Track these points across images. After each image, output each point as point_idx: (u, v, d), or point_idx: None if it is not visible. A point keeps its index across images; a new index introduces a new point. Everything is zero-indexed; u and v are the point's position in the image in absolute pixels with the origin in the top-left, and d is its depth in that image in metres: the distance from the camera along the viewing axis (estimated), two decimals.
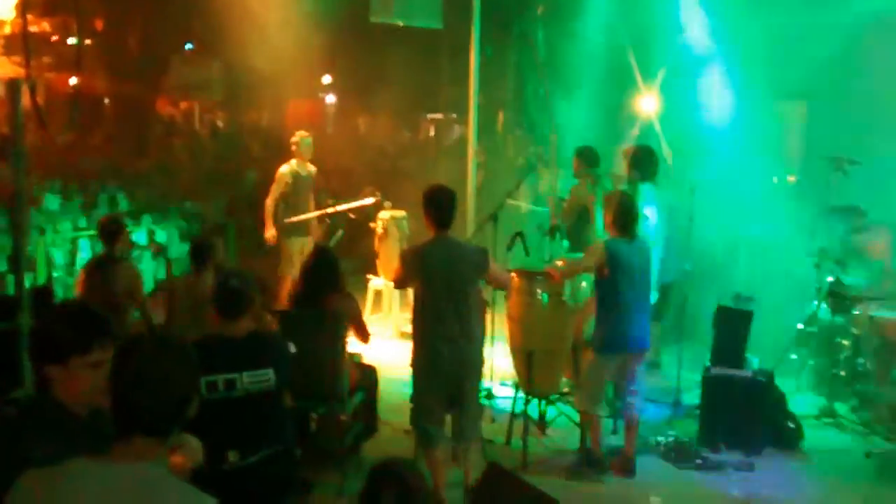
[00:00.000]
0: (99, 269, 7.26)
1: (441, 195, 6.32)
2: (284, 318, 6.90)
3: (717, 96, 12.15)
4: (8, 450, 3.08)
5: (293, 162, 10.86)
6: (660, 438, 7.76)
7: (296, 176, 10.80)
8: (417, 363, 6.35)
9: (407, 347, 9.16)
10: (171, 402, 2.70)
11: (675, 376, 8.45)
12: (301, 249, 10.72)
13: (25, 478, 2.69)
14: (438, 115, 19.76)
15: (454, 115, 16.88)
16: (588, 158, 9.50)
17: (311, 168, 11.01)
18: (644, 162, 8.35)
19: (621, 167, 8.83)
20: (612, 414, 7.65)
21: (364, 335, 7.05)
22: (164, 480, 2.67)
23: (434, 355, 6.20)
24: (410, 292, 10.79)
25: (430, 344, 6.21)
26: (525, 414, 7.49)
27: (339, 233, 10.73)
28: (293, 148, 10.92)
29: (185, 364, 2.75)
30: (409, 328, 10.55)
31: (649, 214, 7.99)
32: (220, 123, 23.58)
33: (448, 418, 6.46)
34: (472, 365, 6.38)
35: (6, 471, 2.84)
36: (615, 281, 6.84)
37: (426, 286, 6.21)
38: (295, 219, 10.77)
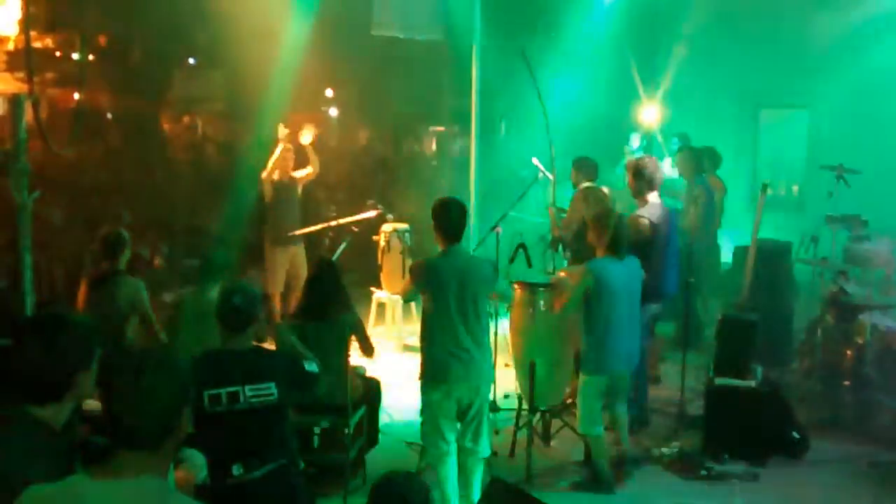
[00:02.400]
0: (102, 282, 7.26)
1: (451, 208, 6.31)
2: (289, 332, 6.91)
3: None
4: None
5: (276, 171, 10.80)
6: (664, 450, 7.76)
7: (279, 185, 10.75)
8: (427, 377, 6.31)
9: (410, 360, 9.19)
10: (157, 417, 2.69)
11: (679, 387, 8.45)
12: (288, 261, 10.71)
13: (25, 500, 2.69)
14: (440, 128, 19.77)
15: (456, 128, 16.91)
16: (586, 169, 9.51)
17: (295, 174, 10.96)
18: (650, 174, 8.35)
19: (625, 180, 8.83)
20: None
21: (369, 350, 7.06)
22: (164, 494, 2.67)
23: (444, 369, 6.17)
24: (413, 306, 10.94)
25: (441, 358, 6.17)
26: (529, 426, 7.49)
27: (343, 245, 10.74)
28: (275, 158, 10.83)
29: (172, 378, 2.74)
30: (412, 340, 10.65)
31: None
32: (222, 137, 23.57)
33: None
34: (483, 379, 6.37)
35: None
36: (600, 302, 6.83)
37: (437, 299, 6.17)
38: (299, 232, 10.78)
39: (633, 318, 7.04)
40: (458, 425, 6.36)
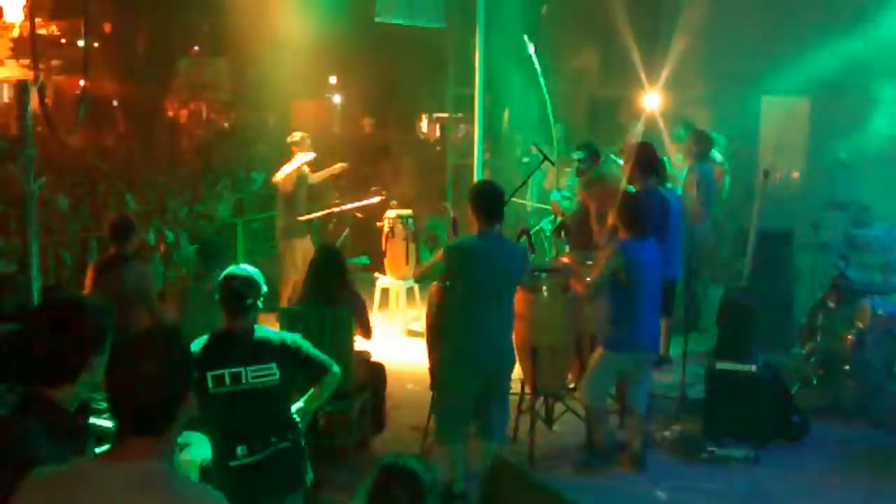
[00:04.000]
0: (109, 268, 7.31)
1: (489, 190, 6.39)
2: (292, 316, 6.97)
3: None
4: (5, 451, 3.09)
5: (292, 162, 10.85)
6: (666, 432, 7.82)
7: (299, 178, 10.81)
8: (453, 358, 6.35)
9: (415, 345, 9.22)
10: (161, 403, 2.69)
11: (680, 370, 8.49)
12: (304, 250, 10.78)
13: (30, 481, 2.71)
14: (444, 115, 19.80)
15: (460, 115, 16.94)
16: (591, 155, 9.54)
17: (305, 168, 11.04)
18: (645, 158, 8.39)
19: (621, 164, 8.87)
20: (619, 409, 7.71)
21: (367, 331, 7.11)
22: (170, 476, 2.69)
23: (474, 351, 6.21)
24: (417, 291, 10.99)
25: (470, 340, 6.21)
26: (531, 410, 7.54)
27: (346, 231, 10.79)
28: (293, 148, 10.92)
29: (175, 364, 2.74)
30: (416, 326, 10.70)
31: None
32: (226, 124, 23.65)
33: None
34: (508, 361, 6.44)
35: (3, 472, 2.90)
36: (630, 282, 6.87)
37: (472, 281, 6.19)
38: (305, 217, 10.84)
39: (656, 299, 7.10)
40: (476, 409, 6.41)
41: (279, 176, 10.74)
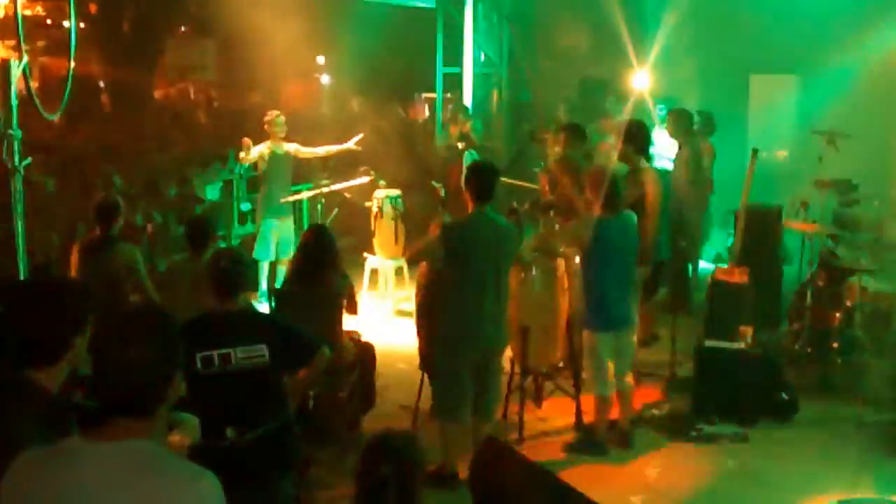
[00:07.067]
0: (96, 249, 7.27)
1: (484, 169, 6.45)
2: (281, 297, 6.95)
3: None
4: None
5: (267, 142, 10.83)
6: (655, 411, 7.84)
7: (271, 155, 10.80)
8: (449, 337, 6.39)
9: (404, 325, 9.22)
10: (148, 385, 2.67)
11: (669, 349, 8.50)
12: (279, 230, 10.74)
13: (18, 462, 2.70)
14: (433, 95, 19.73)
15: (449, 94, 16.89)
16: (576, 135, 9.52)
17: (288, 147, 10.99)
18: (638, 136, 8.37)
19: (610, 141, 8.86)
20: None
21: (353, 308, 7.12)
22: (160, 455, 2.67)
23: (473, 331, 6.26)
24: (406, 270, 10.97)
25: (468, 318, 6.25)
26: (520, 389, 7.54)
27: (334, 211, 10.75)
28: (265, 128, 10.88)
29: (161, 345, 2.70)
30: (406, 306, 10.69)
31: None
32: (215, 104, 23.50)
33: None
34: (502, 341, 6.52)
35: None
36: (595, 259, 6.89)
37: (469, 260, 6.21)
38: (292, 198, 10.81)
39: (624, 277, 7.08)
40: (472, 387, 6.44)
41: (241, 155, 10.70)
